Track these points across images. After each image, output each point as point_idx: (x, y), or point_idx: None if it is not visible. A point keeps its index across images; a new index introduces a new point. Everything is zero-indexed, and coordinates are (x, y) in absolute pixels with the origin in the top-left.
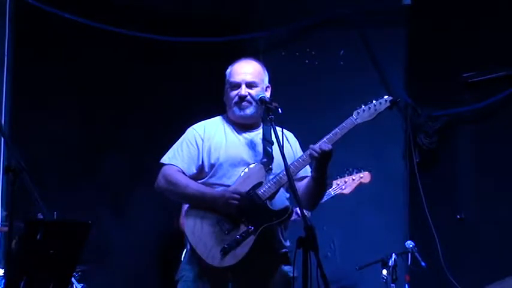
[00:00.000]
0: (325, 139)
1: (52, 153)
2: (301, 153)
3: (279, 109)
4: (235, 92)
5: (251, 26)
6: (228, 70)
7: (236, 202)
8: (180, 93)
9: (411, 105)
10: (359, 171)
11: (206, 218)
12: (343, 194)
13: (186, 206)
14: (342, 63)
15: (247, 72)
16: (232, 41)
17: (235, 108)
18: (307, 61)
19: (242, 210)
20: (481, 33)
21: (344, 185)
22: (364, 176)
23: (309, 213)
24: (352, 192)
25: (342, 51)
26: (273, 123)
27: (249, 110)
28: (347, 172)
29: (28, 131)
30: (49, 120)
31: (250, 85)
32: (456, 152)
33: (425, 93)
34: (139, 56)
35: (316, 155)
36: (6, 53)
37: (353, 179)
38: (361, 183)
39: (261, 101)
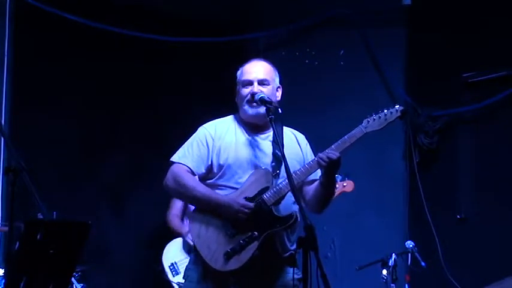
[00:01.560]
0: (333, 146)
1: (52, 153)
2: (312, 155)
3: (279, 109)
4: (247, 90)
5: (251, 26)
6: (239, 71)
7: (244, 216)
8: (180, 93)
9: (411, 105)
10: (343, 179)
11: (211, 222)
12: None
13: (177, 202)
14: (342, 63)
15: (258, 70)
16: (232, 41)
17: (247, 107)
18: (307, 61)
19: (248, 217)
20: (481, 33)
21: None
22: (347, 185)
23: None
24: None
25: (342, 51)
26: (273, 123)
27: (262, 109)
28: None
29: (28, 131)
30: (49, 120)
31: (262, 83)
32: (456, 152)
33: (425, 93)
34: (140, 56)
35: (324, 163)
36: (6, 53)
37: (336, 187)
38: (343, 192)
39: (261, 101)
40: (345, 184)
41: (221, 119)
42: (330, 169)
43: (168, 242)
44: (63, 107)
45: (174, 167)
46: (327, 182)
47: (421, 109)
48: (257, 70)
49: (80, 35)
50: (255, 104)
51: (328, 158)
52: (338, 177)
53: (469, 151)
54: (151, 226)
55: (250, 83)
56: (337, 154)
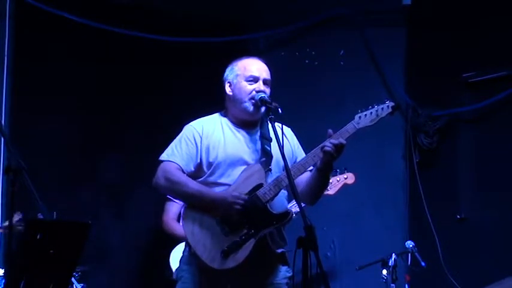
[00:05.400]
0: (331, 141)
1: (52, 153)
2: (300, 147)
3: (279, 109)
4: (251, 87)
5: (251, 26)
6: (238, 66)
7: (239, 207)
8: (180, 93)
9: (411, 105)
10: (343, 172)
11: (205, 219)
12: (328, 194)
13: (172, 206)
14: (342, 63)
15: (263, 69)
16: (232, 41)
17: (250, 104)
18: (307, 61)
19: (243, 213)
20: (481, 33)
21: (329, 185)
22: (348, 177)
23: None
24: (336, 193)
25: (342, 51)
26: (273, 123)
27: (262, 108)
28: (332, 173)
29: (28, 131)
30: (49, 120)
31: (266, 82)
32: (456, 152)
33: (425, 93)
34: (140, 56)
35: (330, 149)
36: (6, 53)
37: (337, 180)
38: (345, 184)
39: (261, 101)
40: (345, 177)
41: (207, 117)
42: (335, 155)
43: (169, 244)
44: (63, 107)
45: (163, 165)
46: (326, 169)
47: (421, 109)
48: (262, 68)
49: (80, 35)
50: (254, 101)
51: (333, 144)
52: (337, 171)
53: (469, 151)
54: (151, 226)
55: (256, 79)
56: (343, 141)
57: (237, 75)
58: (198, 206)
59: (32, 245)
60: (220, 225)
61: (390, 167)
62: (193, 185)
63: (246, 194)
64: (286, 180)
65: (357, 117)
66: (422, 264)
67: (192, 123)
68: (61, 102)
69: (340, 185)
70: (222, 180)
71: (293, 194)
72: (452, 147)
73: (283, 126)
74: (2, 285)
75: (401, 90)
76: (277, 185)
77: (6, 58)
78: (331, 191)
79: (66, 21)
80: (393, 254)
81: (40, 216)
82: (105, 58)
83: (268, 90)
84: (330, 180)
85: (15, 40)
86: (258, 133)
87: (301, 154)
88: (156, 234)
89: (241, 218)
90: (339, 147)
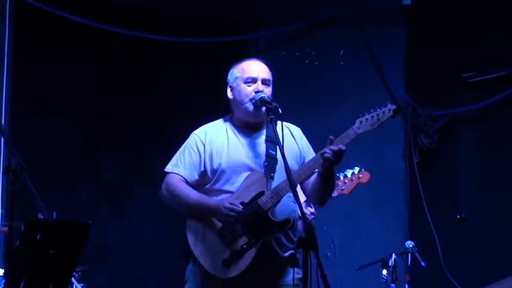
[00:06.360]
0: (330, 147)
1: (52, 154)
2: (309, 147)
3: (279, 109)
4: (251, 88)
5: (251, 26)
6: (237, 68)
7: (234, 215)
8: (180, 93)
9: (411, 105)
10: (360, 170)
11: (207, 229)
12: (343, 194)
13: None
14: (342, 63)
15: (262, 69)
16: (232, 41)
17: (250, 104)
18: (307, 61)
19: (243, 222)
20: (481, 33)
21: (344, 185)
22: (363, 176)
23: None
24: (351, 192)
25: (342, 51)
26: (273, 123)
27: (262, 108)
28: (347, 172)
29: (28, 131)
30: (49, 120)
31: (265, 82)
32: (456, 152)
33: (425, 93)
34: (139, 56)
35: (329, 156)
36: (6, 53)
37: (352, 179)
38: (360, 183)
39: (261, 101)
40: (360, 175)
41: (212, 123)
42: (334, 161)
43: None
44: (63, 107)
45: (167, 177)
46: (328, 174)
47: (421, 109)
48: (261, 69)
49: (80, 35)
50: (254, 102)
51: (333, 151)
52: (355, 168)
53: (469, 151)
54: (151, 226)
55: (254, 80)
56: (343, 147)
57: (236, 77)
58: (199, 216)
59: (32, 245)
60: (221, 235)
61: (390, 167)
62: (194, 195)
63: (248, 202)
64: (288, 188)
65: (357, 121)
66: (422, 264)
67: (196, 131)
68: (61, 102)
69: (354, 184)
70: (227, 188)
71: (294, 196)
72: (452, 147)
73: (292, 126)
74: (2, 285)
75: (401, 90)
76: (278, 192)
77: (6, 58)
78: (345, 190)
79: (66, 21)
80: (393, 254)
81: (40, 216)
82: (105, 58)
83: (268, 90)
84: (345, 180)
85: (15, 40)
86: (264, 136)
87: (310, 154)
88: (155, 234)
89: (241, 227)
90: (338, 154)
